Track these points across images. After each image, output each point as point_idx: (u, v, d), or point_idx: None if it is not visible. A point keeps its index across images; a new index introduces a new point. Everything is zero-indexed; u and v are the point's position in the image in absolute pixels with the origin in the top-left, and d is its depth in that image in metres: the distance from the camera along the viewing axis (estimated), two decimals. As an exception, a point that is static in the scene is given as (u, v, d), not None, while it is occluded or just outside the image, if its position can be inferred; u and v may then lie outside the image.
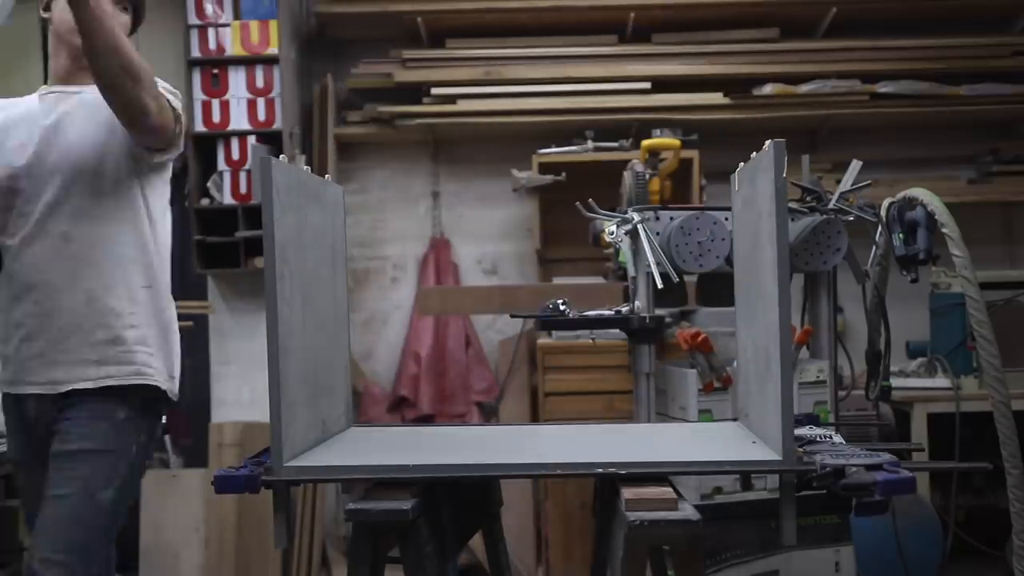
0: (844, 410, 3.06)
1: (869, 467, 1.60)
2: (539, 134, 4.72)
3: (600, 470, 1.67)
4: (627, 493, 1.61)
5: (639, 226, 2.80)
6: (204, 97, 4.57)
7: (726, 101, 4.66)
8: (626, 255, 2.89)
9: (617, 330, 3.11)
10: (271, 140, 4.57)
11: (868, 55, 4.73)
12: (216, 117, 4.57)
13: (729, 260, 2.67)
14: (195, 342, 4.81)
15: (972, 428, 3.65)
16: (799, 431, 1.82)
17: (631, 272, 2.89)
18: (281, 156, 1.69)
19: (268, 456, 1.72)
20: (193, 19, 4.56)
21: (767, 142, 1.68)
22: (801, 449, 1.67)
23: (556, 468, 1.73)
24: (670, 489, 1.65)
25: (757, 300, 1.84)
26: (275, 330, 1.63)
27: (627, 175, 3.20)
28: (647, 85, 4.69)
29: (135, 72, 2.11)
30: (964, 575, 3.96)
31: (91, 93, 2.27)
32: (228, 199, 4.57)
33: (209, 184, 4.60)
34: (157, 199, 2.39)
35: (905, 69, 4.68)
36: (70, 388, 2.25)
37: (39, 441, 2.29)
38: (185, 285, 4.87)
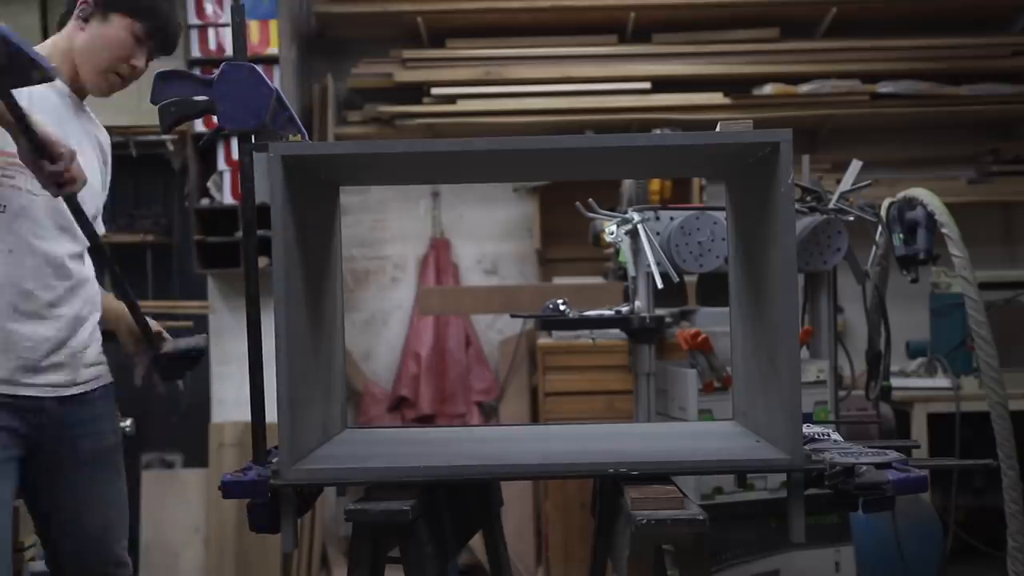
0: (844, 410, 3.06)
1: (879, 465, 1.60)
2: (539, 134, 4.71)
3: (611, 470, 1.66)
4: (633, 492, 1.61)
5: (639, 226, 2.79)
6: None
7: (726, 101, 4.66)
8: (626, 255, 2.89)
9: (617, 330, 3.11)
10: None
11: (868, 55, 4.73)
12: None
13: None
14: (195, 342, 4.81)
15: (972, 428, 3.64)
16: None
17: (631, 272, 2.89)
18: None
19: (272, 457, 1.72)
20: (193, 19, 4.56)
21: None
22: (808, 448, 1.67)
23: (558, 468, 1.73)
24: (675, 488, 1.65)
25: (760, 298, 1.84)
26: (283, 331, 1.63)
27: (627, 175, 3.19)
28: (647, 85, 4.69)
29: None
30: (964, 575, 3.96)
31: None
32: (228, 199, 4.56)
33: (209, 184, 4.60)
34: None
35: (905, 69, 4.69)
36: None
37: None
38: (185, 285, 4.88)
